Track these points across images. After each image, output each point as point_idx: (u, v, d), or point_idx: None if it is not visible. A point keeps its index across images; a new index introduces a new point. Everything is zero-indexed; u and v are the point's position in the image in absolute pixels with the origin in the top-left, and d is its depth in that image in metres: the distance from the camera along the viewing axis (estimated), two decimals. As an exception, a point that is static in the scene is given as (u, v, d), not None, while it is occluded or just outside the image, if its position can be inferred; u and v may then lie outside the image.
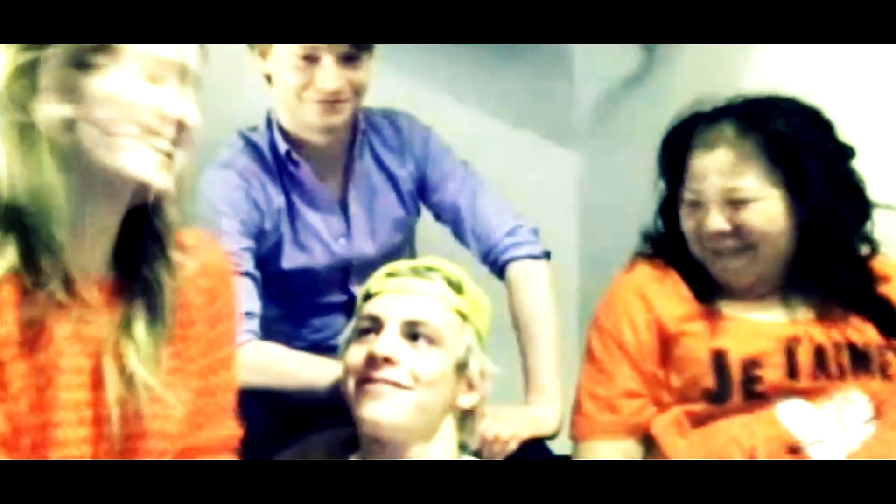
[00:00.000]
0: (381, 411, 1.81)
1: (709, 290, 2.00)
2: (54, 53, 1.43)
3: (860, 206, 1.99)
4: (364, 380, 1.83)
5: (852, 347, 1.93)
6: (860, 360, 1.92)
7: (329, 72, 2.22)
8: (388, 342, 1.84)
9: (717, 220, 1.94)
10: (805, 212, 1.94)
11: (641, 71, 2.92)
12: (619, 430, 2.00)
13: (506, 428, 2.08)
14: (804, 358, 1.91)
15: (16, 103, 1.43)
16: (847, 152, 1.99)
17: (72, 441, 1.46)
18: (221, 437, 1.62)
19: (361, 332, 1.89)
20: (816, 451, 1.85)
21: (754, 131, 1.94)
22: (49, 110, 1.43)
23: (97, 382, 1.48)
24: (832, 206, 1.94)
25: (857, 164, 2.01)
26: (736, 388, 1.91)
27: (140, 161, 1.45)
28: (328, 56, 2.21)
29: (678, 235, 2.02)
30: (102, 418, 1.48)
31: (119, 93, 1.44)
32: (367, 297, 1.93)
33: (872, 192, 2.02)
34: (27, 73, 1.43)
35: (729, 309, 1.98)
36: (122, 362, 1.47)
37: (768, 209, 1.94)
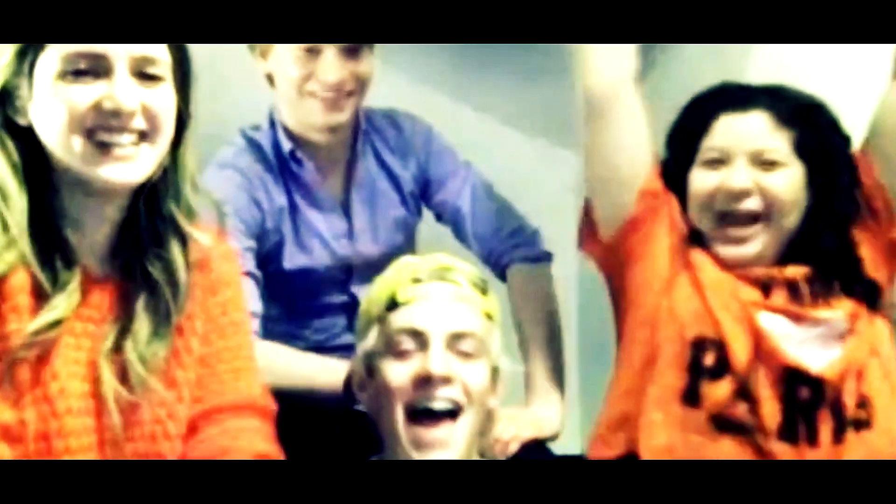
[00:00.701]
0: (441, 434, 1.73)
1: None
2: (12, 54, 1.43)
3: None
4: (415, 403, 1.73)
5: (822, 277, 1.93)
6: (830, 287, 1.92)
7: (331, 63, 2.22)
8: (442, 360, 1.73)
9: (742, 177, 1.91)
10: (823, 193, 1.94)
11: (641, 71, 2.91)
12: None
13: (507, 429, 2.08)
14: (778, 293, 1.91)
15: None
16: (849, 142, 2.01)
17: (78, 430, 1.47)
18: (243, 396, 1.60)
19: (398, 348, 1.76)
20: (802, 355, 1.86)
21: (790, 102, 1.95)
22: (12, 115, 1.45)
23: (96, 375, 1.48)
24: (848, 186, 1.94)
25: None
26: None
27: (89, 159, 1.44)
28: (329, 48, 2.22)
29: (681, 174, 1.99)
30: (103, 410, 1.48)
31: (50, 93, 1.43)
32: (394, 305, 1.81)
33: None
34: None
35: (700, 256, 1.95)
36: (121, 358, 1.48)
37: (793, 178, 1.93)
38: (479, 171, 2.44)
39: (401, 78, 2.82)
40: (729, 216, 1.93)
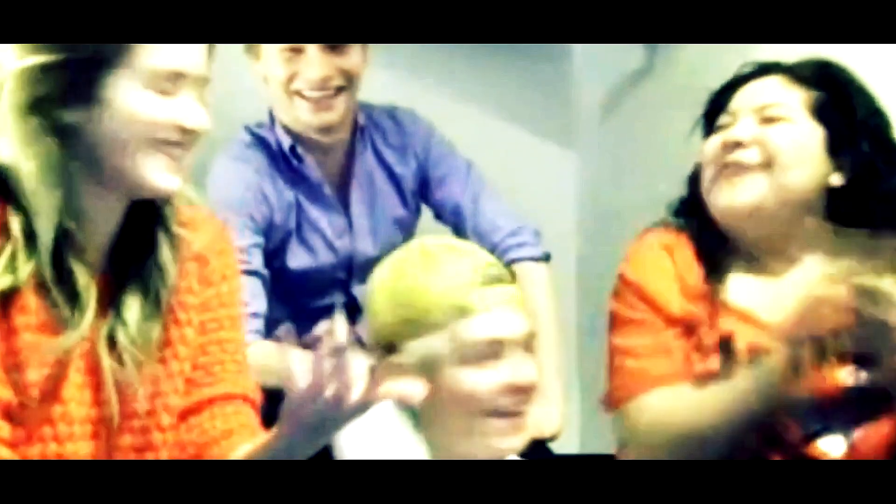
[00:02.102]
0: (516, 444, 1.69)
1: (719, 265, 1.86)
2: (67, 58, 1.44)
3: None
4: (504, 412, 1.67)
5: (853, 331, 1.76)
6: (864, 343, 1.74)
7: (314, 60, 2.22)
8: (528, 367, 1.69)
9: (741, 129, 1.84)
10: (844, 165, 1.83)
11: (642, 71, 2.92)
12: (675, 374, 1.82)
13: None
14: (804, 352, 1.74)
15: (30, 106, 1.44)
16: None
17: (82, 418, 1.49)
18: (236, 391, 1.61)
19: (476, 357, 1.67)
20: (824, 443, 1.79)
21: (818, 68, 1.87)
22: (65, 116, 1.45)
23: (91, 367, 1.50)
24: (874, 163, 1.83)
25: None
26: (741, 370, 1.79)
27: (151, 168, 1.48)
28: (312, 45, 2.22)
29: (701, 203, 1.90)
30: (99, 400, 1.50)
31: (130, 106, 1.46)
32: (463, 312, 1.68)
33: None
34: (42, 76, 1.44)
35: (734, 294, 1.85)
36: (115, 343, 1.49)
37: (799, 134, 1.83)
38: (479, 171, 2.44)
39: (401, 77, 2.83)
40: (729, 166, 1.84)
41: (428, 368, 1.68)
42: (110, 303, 1.51)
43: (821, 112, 1.85)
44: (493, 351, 1.67)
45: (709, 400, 1.78)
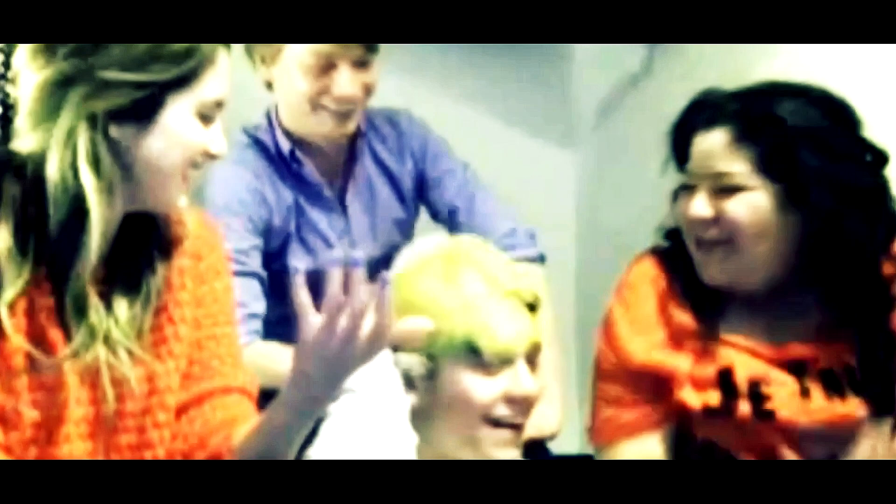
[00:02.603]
0: (513, 452, 1.71)
1: (711, 295, 1.87)
2: (127, 81, 1.45)
3: (884, 219, 1.81)
4: (501, 422, 1.69)
5: (860, 364, 1.81)
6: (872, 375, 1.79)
7: (346, 78, 2.23)
8: (530, 379, 1.70)
9: (699, 206, 1.81)
10: (806, 217, 1.79)
11: (641, 71, 2.92)
12: (645, 425, 1.87)
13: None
14: (813, 383, 1.80)
15: (80, 118, 1.44)
16: (876, 156, 1.83)
17: (77, 419, 1.49)
18: (234, 384, 1.61)
19: (483, 366, 1.69)
20: None
21: (754, 114, 1.80)
22: (116, 131, 1.47)
23: (94, 381, 1.50)
24: (837, 212, 1.77)
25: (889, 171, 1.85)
26: (743, 405, 1.80)
27: (177, 192, 1.52)
28: (344, 62, 2.22)
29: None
30: (96, 398, 1.50)
31: (180, 131, 1.49)
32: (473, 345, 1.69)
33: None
34: (101, 91, 1.45)
35: (729, 327, 1.86)
36: (107, 339, 1.50)
37: (755, 201, 1.78)
38: (475, 172, 2.45)
39: (400, 78, 2.82)
40: (699, 241, 1.84)
41: (432, 367, 1.70)
42: (103, 302, 1.52)
43: (769, 169, 1.79)
44: (497, 360, 1.68)
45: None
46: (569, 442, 2.25)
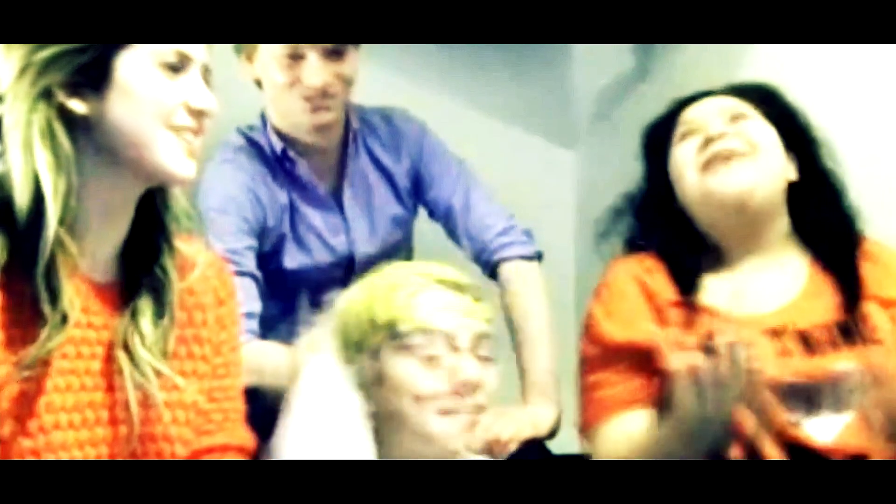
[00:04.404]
0: (467, 441, 1.70)
1: (692, 278, 1.95)
2: (68, 50, 1.43)
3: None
4: (451, 410, 1.69)
5: (836, 323, 1.90)
6: (847, 332, 1.89)
7: (314, 68, 2.22)
8: (474, 366, 1.70)
9: (717, 126, 1.93)
10: (797, 162, 1.95)
11: (640, 71, 2.92)
12: (629, 401, 1.90)
13: (505, 429, 2.08)
14: (791, 344, 1.88)
15: (33, 99, 1.41)
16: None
17: (90, 441, 1.46)
18: (234, 443, 1.61)
19: (422, 352, 1.70)
20: (812, 426, 1.84)
21: (742, 87, 1.99)
22: (77, 106, 1.43)
23: (111, 385, 1.48)
24: (819, 160, 1.96)
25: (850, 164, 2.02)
26: (725, 362, 1.81)
27: (170, 155, 1.47)
28: (312, 52, 2.22)
29: (662, 224, 2.00)
30: (119, 420, 1.48)
31: (141, 87, 1.45)
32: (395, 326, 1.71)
33: (871, 190, 2.01)
34: (44, 69, 1.42)
35: (709, 299, 1.92)
36: (131, 352, 1.48)
37: (765, 128, 1.94)
38: (471, 170, 2.45)
39: (399, 78, 2.83)
40: (715, 158, 1.92)
41: (375, 366, 1.71)
42: (123, 310, 1.50)
43: (768, 115, 1.96)
44: (441, 345, 1.68)
45: (654, 434, 1.85)
46: (569, 442, 2.25)
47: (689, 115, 1.98)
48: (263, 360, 2.07)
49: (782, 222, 1.97)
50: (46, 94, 1.42)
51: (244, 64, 2.30)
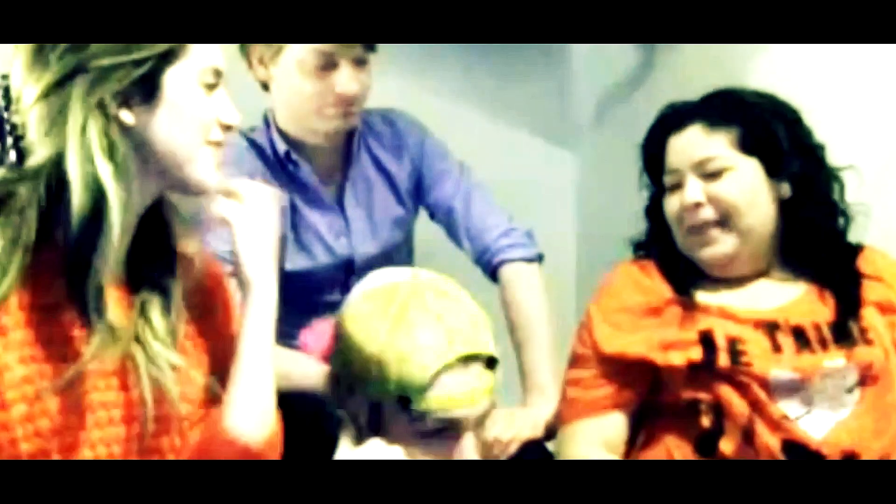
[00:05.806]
0: (468, 456, 1.71)
1: (688, 283, 2.00)
2: (127, 61, 1.45)
3: (831, 176, 2.00)
4: (445, 435, 1.71)
5: (829, 323, 1.94)
6: (840, 332, 1.92)
7: (348, 76, 2.24)
8: (472, 449, 1.72)
9: (692, 192, 1.95)
10: (785, 185, 1.96)
11: (641, 71, 2.92)
12: (606, 405, 1.97)
13: (506, 430, 2.08)
14: (785, 339, 1.91)
15: (90, 107, 1.43)
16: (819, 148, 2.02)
17: (102, 440, 1.48)
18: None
19: (429, 428, 1.70)
20: (805, 422, 1.86)
21: (724, 105, 1.98)
22: (122, 116, 1.46)
23: (124, 383, 1.49)
24: (809, 175, 1.96)
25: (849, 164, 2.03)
26: (723, 357, 1.90)
27: (206, 169, 1.53)
28: (345, 61, 2.23)
29: (662, 232, 2.04)
30: (133, 417, 1.49)
31: (187, 103, 1.49)
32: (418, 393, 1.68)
33: (868, 189, 2.02)
34: (103, 77, 1.44)
35: (705, 298, 1.98)
36: (144, 345, 1.50)
37: (740, 177, 1.95)
38: (472, 171, 2.45)
39: (399, 78, 2.82)
40: (693, 229, 1.97)
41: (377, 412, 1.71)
42: (132, 311, 1.52)
43: (746, 146, 1.96)
44: (452, 430, 1.69)
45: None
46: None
47: (672, 157, 1.99)
48: (290, 365, 2.06)
49: (774, 249, 2.00)
50: (101, 104, 1.44)
51: (255, 66, 2.30)
